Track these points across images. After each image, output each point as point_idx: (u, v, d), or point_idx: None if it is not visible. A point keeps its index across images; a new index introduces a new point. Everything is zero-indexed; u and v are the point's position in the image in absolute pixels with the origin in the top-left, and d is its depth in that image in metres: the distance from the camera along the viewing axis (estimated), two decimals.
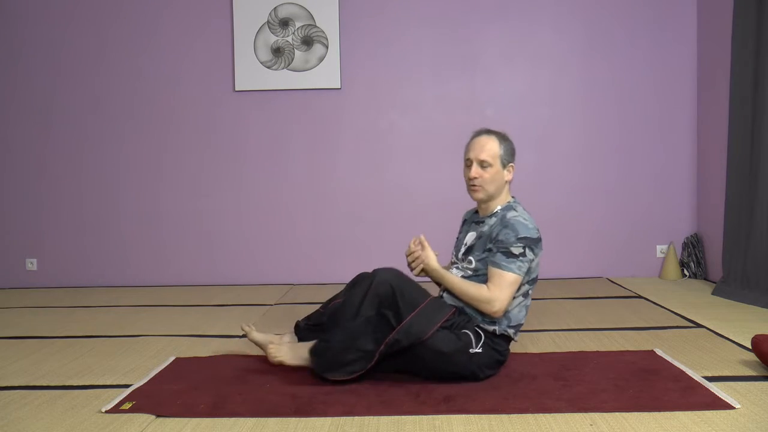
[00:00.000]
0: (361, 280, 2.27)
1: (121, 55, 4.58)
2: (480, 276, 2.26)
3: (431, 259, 2.25)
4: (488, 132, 2.33)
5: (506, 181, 2.33)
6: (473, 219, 2.44)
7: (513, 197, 2.40)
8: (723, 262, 3.80)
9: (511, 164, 2.33)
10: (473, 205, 2.51)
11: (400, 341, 2.10)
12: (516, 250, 2.17)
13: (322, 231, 4.55)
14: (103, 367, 2.52)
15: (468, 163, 2.31)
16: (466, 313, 2.24)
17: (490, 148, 2.27)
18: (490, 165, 2.26)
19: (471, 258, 2.30)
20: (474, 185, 2.28)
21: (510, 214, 2.26)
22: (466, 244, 2.36)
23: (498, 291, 2.16)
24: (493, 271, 2.19)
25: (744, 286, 3.55)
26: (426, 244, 2.27)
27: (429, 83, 4.50)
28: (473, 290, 2.20)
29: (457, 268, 2.36)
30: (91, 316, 3.56)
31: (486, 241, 2.27)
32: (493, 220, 2.30)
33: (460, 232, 2.52)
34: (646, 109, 4.43)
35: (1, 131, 4.67)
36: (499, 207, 2.33)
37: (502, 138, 2.33)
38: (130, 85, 4.59)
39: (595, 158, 4.46)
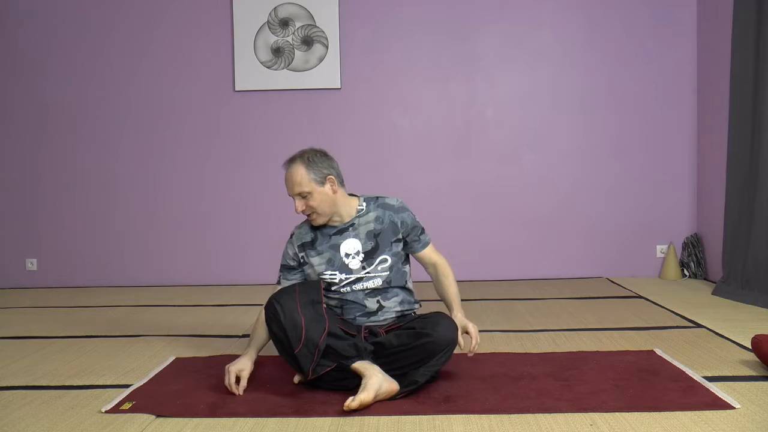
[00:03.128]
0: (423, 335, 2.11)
1: (122, 56, 4.58)
2: (394, 271, 2.29)
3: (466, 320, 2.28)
4: (291, 161, 2.26)
5: (334, 193, 2.25)
6: (329, 233, 2.30)
7: (357, 196, 2.36)
8: (723, 262, 3.80)
9: (328, 177, 2.24)
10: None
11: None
12: (421, 224, 2.39)
13: None
14: (103, 367, 2.52)
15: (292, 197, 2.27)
16: (413, 312, 2.38)
17: (299, 179, 2.21)
18: (309, 192, 2.22)
19: (385, 257, 2.27)
20: (308, 216, 2.29)
21: (389, 200, 2.34)
22: (359, 252, 2.26)
23: (440, 256, 2.42)
24: (428, 250, 2.39)
25: (744, 286, 3.55)
26: (472, 330, 2.24)
27: (429, 83, 4.50)
28: (451, 279, 2.38)
29: (359, 280, 2.27)
30: (91, 316, 3.56)
31: (389, 234, 2.28)
32: (372, 215, 2.29)
33: (310, 256, 2.31)
34: (645, 109, 4.43)
35: (1, 131, 4.67)
36: (364, 204, 2.32)
37: (307, 160, 2.23)
38: (131, 85, 4.59)
39: (595, 158, 4.46)
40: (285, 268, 2.41)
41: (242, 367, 2.17)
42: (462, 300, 2.37)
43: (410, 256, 2.41)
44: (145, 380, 2.31)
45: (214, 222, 4.60)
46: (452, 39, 4.47)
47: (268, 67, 4.49)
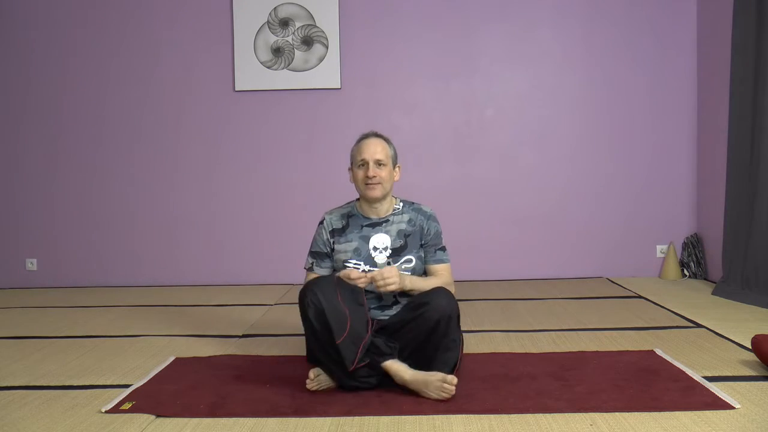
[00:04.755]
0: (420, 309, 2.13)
1: (121, 56, 4.58)
2: (416, 273, 2.34)
3: (403, 277, 2.23)
4: (376, 135, 2.39)
5: (395, 180, 2.42)
6: (365, 223, 2.37)
7: (395, 197, 2.47)
8: (723, 262, 3.80)
9: (398, 165, 2.43)
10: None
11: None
12: (444, 242, 2.44)
13: None
14: (103, 367, 2.52)
15: (361, 164, 2.33)
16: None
17: (382, 149, 2.35)
18: (385, 164, 2.34)
19: (410, 257, 2.33)
20: (372, 183, 2.31)
21: (424, 207, 2.44)
22: (387, 248, 2.32)
23: (449, 277, 2.39)
24: (441, 267, 2.38)
25: (744, 286, 3.55)
26: (392, 270, 2.19)
27: (429, 83, 4.50)
28: (437, 282, 2.30)
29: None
30: (91, 316, 3.56)
31: (418, 237, 2.36)
32: (406, 216, 2.39)
33: (338, 243, 2.35)
34: (645, 109, 4.42)
35: (2, 132, 4.67)
36: (401, 204, 2.43)
37: (388, 140, 2.41)
38: (130, 85, 4.59)
39: (595, 158, 4.46)
40: (317, 255, 2.41)
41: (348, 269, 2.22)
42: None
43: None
44: (145, 380, 2.31)
45: (213, 222, 4.60)
46: (452, 39, 4.47)
47: (268, 67, 4.49)
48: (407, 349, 2.13)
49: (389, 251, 2.32)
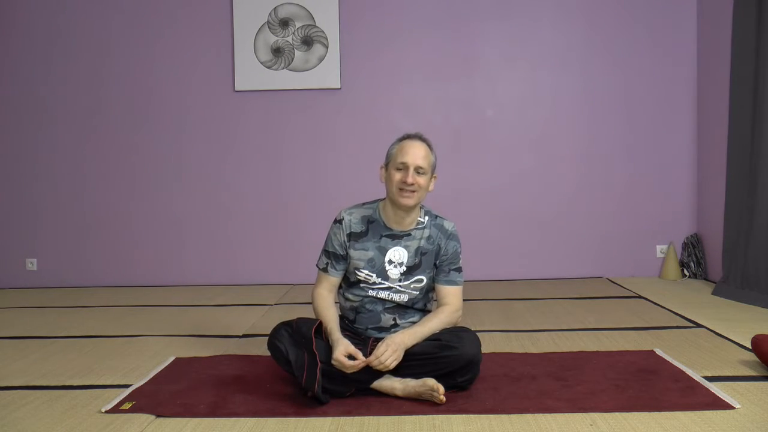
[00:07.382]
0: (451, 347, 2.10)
1: (121, 56, 4.58)
2: (423, 293, 2.26)
3: (402, 344, 2.09)
4: (421, 138, 2.24)
5: (429, 191, 2.25)
6: (385, 233, 2.23)
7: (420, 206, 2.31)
8: (723, 262, 3.80)
9: (435, 175, 2.29)
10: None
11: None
12: (461, 262, 2.30)
13: (322, 230, 4.49)
14: (103, 367, 2.52)
15: (401, 167, 2.17)
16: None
17: (426, 155, 2.19)
18: (425, 173, 2.18)
19: (422, 277, 2.23)
20: (408, 191, 2.15)
21: (446, 224, 2.29)
22: (402, 264, 2.21)
23: (458, 302, 2.27)
24: (452, 289, 2.26)
25: (744, 286, 3.55)
26: (388, 348, 2.05)
27: (429, 83, 4.50)
28: (442, 320, 2.20)
29: (387, 290, 2.22)
30: (91, 316, 3.56)
31: (433, 256, 2.24)
32: (426, 231, 2.25)
33: (353, 248, 2.23)
34: (646, 109, 4.43)
35: (1, 132, 4.67)
36: (426, 218, 2.28)
37: (432, 147, 2.25)
38: (130, 85, 4.59)
39: (595, 158, 4.46)
40: (333, 256, 2.27)
41: (344, 347, 2.05)
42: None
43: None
44: (145, 380, 2.31)
45: (213, 222, 4.60)
46: (452, 39, 4.47)
47: (268, 67, 4.49)
48: (417, 375, 2.08)
49: (404, 268, 2.21)
